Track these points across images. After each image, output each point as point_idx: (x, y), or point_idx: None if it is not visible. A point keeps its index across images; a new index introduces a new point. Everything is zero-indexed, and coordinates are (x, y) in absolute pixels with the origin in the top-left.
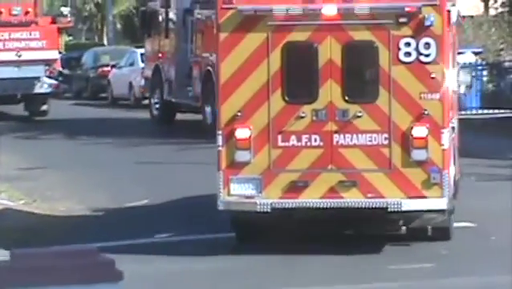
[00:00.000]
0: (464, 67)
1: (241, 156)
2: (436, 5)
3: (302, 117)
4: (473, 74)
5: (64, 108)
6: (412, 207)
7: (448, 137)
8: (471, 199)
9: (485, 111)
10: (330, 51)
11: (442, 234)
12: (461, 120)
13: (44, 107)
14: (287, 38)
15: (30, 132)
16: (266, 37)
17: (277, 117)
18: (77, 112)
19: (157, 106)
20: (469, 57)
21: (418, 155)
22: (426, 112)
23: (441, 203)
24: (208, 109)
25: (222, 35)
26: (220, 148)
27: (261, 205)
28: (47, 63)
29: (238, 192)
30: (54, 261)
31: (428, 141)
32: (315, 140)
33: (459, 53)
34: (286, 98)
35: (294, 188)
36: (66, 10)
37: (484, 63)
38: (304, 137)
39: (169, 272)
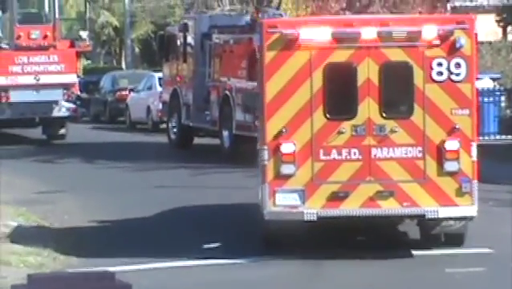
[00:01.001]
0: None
1: (287, 169)
2: (466, 28)
3: (343, 132)
4: (491, 99)
5: (82, 132)
6: (447, 214)
7: (476, 150)
8: (488, 225)
9: (503, 136)
10: (368, 71)
11: (457, 239)
12: (478, 146)
13: (62, 131)
14: (328, 59)
15: (48, 155)
16: (309, 58)
17: (319, 133)
18: (95, 136)
19: (175, 130)
20: (487, 83)
21: (450, 166)
22: (457, 127)
23: (472, 210)
24: (225, 133)
25: (267, 57)
26: (265, 163)
27: (308, 214)
28: (66, 86)
29: (283, 202)
30: (72, 285)
31: (460, 154)
32: (355, 154)
33: (477, 79)
34: (328, 115)
35: (336, 198)
36: (84, 34)
37: (502, 88)
38: (344, 151)
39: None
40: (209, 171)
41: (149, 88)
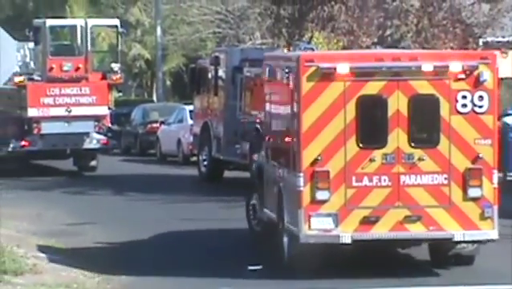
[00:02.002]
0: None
1: (321, 195)
2: (489, 63)
3: (374, 160)
4: None
5: (113, 164)
6: (471, 238)
7: (497, 177)
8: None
9: None
10: (398, 103)
11: (468, 260)
12: (506, 182)
13: (93, 163)
14: (361, 91)
15: (79, 187)
16: (343, 90)
17: (352, 160)
18: (126, 168)
19: (205, 163)
20: None
21: (474, 192)
22: (480, 156)
23: (493, 234)
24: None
25: (304, 89)
26: (301, 189)
27: (343, 238)
28: (97, 118)
29: (318, 226)
30: None
31: (483, 181)
32: (384, 181)
33: (507, 114)
34: (360, 144)
35: (367, 222)
36: (116, 67)
37: None
38: (375, 178)
39: None
40: (238, 204)
41: (180, 121)
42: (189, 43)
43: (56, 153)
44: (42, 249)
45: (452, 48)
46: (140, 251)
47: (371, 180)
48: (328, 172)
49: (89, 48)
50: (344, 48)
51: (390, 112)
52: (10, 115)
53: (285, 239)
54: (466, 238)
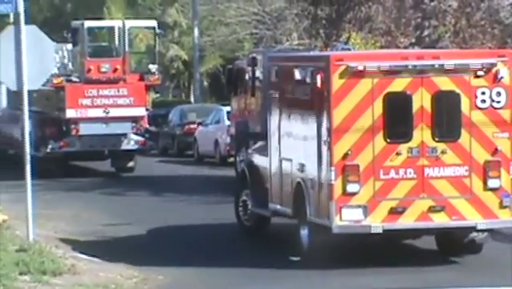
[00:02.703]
0: None
1: (352, 187)
2: (506, 61)
3: (400, 154)
4: None
5: (150, 165)
6: (492, 226)
7: None
8: None
9: None
10: (421, 100)
11: (476, 248)
12: None
13: (131, 164)
14: (387, 88)
15: (116, 188)
16: (371, 88)
17: (379, 154)
18: (163, 169)
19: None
20: None
21: (493, 183)
22: (499, 149)
23: (511, 222)
24: None
25: (334, 87)
26: (332, 182)
27: (375, 228)
28: (135, 119)
29: (349, 217)
30: None
31: (501, 172)
32: (410, 173)
33: None
34: (387, 138)
35: (394, 213)
36: (154, 68)
37: None
38: (401, 171)
39: None
40: None
41: (217, 122)
42: (226, 44)
43: (94, 154)
44: (80, 249)
45: (490, 48)
46: (177, 252)
47: (397, 172)
48: (358, 165)
49: (127, 49)
50: (382, 48)
51: (415, 108)
52: (49, 116)
53: (303, 231)
54: (488, 227)
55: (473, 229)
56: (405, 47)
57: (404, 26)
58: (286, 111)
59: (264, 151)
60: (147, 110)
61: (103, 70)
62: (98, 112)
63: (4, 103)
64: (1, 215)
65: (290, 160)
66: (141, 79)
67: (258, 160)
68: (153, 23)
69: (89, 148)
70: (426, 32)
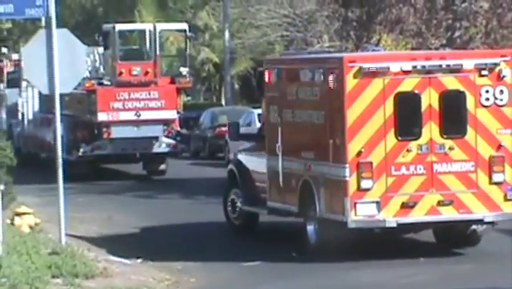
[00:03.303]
0: None
1: (366, 184)
2: (508, 60)
3: (410, 151)
4: None
5: (182, 168)
6: (498, 219)
7: None
8: None
9: None
10: (430, 98)
11: (476, 240)
12: None
13: (162, 167)
14: (398, 88)
15: (148, 190)
16: (383, 88)
17: (391, 152)
18: (194, 172)
19: None
20: None
21: (498, 177)
22: (502, 144)
23: None
24: None
25: (348, 87)
26: (347, 179)
27: (389, 222)
28: (166, 122)
29: (363, 213)
30: None
31: (505, 167)
32: (420, 169)
33: None
34: (398, 136)
35: (405, 207)
36: (185, 71)
37: None
38: (411, 167)
39: None
40: None
41: (248, 124)
42: (257, 47)
43: (126, 157)
44: (112, 252)
45: None
46: (209, 255)
47: (408, 169)
48: (371, 162)
49: (158, 52)
50: (413, 49)
51: (423, 107)
52: (80, 119)
53: (309, 227)
54: (494, 219)
55: (481, 221)
56: (436, 48)
57: (435, 28)
58: (289, 112)
59: (259, 151)
60: (178, 113)
61: (134, 73)
62: (129, 115)
63: (36, 107)
64: (33, 218)
65: (295, 159)
66: (172, 82)
67: (251, 160)
68: (184, 26)
69: (121, 151)
70: (457, 33)
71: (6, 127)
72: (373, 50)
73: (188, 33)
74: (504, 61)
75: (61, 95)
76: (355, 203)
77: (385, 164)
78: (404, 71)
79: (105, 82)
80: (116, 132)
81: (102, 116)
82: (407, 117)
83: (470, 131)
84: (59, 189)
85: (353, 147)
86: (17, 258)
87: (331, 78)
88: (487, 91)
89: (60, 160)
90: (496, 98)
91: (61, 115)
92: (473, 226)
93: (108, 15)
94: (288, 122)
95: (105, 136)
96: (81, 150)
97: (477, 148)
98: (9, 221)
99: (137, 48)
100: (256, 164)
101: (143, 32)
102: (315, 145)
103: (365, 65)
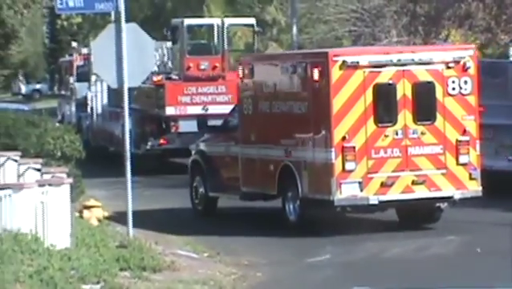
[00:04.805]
0: None
1: (349, 166)
2: (471, 54)
3: (387, 136)
4: None
5: None
6: (465, 196)
7: (479, 146)
8: None
9: None
10: (404, 89)
11: (438, 217)
12: None
13: None
14: (376, 80)
15: None
16: (363, 79)
17: (371, 137)
18: None
19: None
20: None
21: (463, 159)
22: (467, 129)
23: (479, 192)
24: None
25: (333, 79)
26: (333, 161)
27: (372, 200)
28: None
29: (347, 192)
30: None
31: (469, 149)
32: (396, 152)
33: None
34: (377, 123)
35: (384, 186)
36: None
37: None
38: (389, 150)
39: None
40: None
41: None
42: (325, 42)
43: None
44: (179, 246)
45: None
46: (275, 250)
47: (386, 152)
48: (354, 147)
49: (226, 47)
50: (482, 45)
51: (398, 96)
52: (149, 113)
53: (289, 206)
54: (461, 196)
55: (450, 198)
56: (506, 44)
57: (504, 23)
58: (266, 104)
59: (224, 141)
60: None
61: (202, 67)
62: (197, 110)
63: (105, 101)
64: (102, 211)
65: (273, 146)
66: None
67: (216, 150)
68: (252, 21)
69: (188, 145)
70: None
71: (75, 120)
72: None
73: (256, 28)
74: (468, 55)
75: (129, 89)
76: (341, 183)
77: (366, 148)
78: (381, 64)
79: (173, 76)
80: (184, 127)
81: (170, 110)
82: (384, 106)
83: (439, 117)
84: (127, 183)
85: (338, 132)
86: (85, 251)
87: (315, 71)
88: (453, 82)
89: (128, 154)
90: (461, 88)
91: (129, 109)
92: (438, 204)
93: (177, 10)
94: (265, 113)
95: (173, 130)
96: (149, 144)
97: (446, 132)
98: (78, 214)
99: (205, 43)
100: (222, 153)
101: (211, 27)
102: (296, 133)
103: (348, 58)
